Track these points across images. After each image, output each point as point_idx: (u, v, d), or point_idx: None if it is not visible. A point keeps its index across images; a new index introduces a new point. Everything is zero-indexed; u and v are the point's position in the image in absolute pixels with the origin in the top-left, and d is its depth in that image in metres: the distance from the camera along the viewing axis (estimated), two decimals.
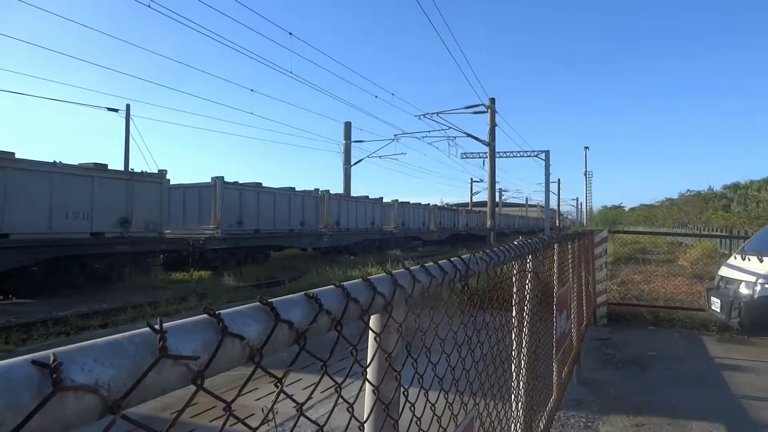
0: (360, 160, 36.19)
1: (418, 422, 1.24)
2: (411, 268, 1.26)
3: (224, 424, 0.62)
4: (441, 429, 1.39)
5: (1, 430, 0.41)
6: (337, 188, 32.64)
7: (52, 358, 0.45)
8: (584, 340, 6.66)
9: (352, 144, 35.51)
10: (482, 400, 1.83)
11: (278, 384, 0.73)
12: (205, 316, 0.64)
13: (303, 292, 0.84)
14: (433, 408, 1.33)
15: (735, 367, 6.33)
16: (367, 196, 31.31)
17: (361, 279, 1.03)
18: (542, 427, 3.43)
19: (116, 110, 27.29)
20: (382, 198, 32.06)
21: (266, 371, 0.70)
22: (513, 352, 2.67)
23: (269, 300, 0.74)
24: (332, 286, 0.93)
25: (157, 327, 0.55)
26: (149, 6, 15.08)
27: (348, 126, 35.48)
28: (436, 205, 41.88)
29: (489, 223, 26.57)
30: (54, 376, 0.44)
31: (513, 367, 2.71)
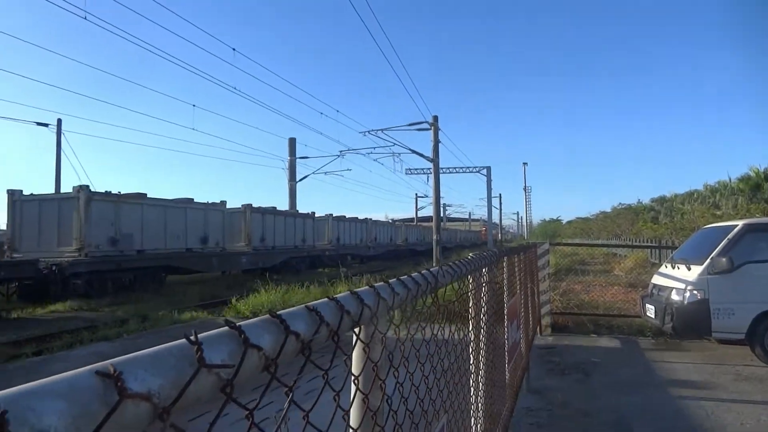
0: (305, 177, 35.96)
1: (400, 429, 1.30)
2: (390, 281, 1.32)
3: (248, 430, 0.66)
4: None
5: None
6: (282, 205, 31.98)
7: (112, 369, 0.48)
8: (532, 349, 6.91)
9: (297, 160, 35.29)
10: (450, 408, 1.91)
11: (288, 392, 0.76)
12: (226, 328, 0.67)
13: (304, 305, 0.88)
14: (411, 416, 1.39)
15: (670, 370, 6.73)
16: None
17: (349, 292, 1.08)
18: None
19: (46, 125, 26.07)
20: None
21: (279, 381, 0.74)
22: (472, 361, 2.76)
23: (278, 312, 0.78)
24: (326, 300, 0.97)
25: (193, 338, 0.59)
26: (85, 18, 14.59)
27: (293, 142, 35.25)
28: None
29: (435, 237, 27.00)
30: (119, 384, 0.47)
31: (472, 376, 2.80)
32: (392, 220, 55.66)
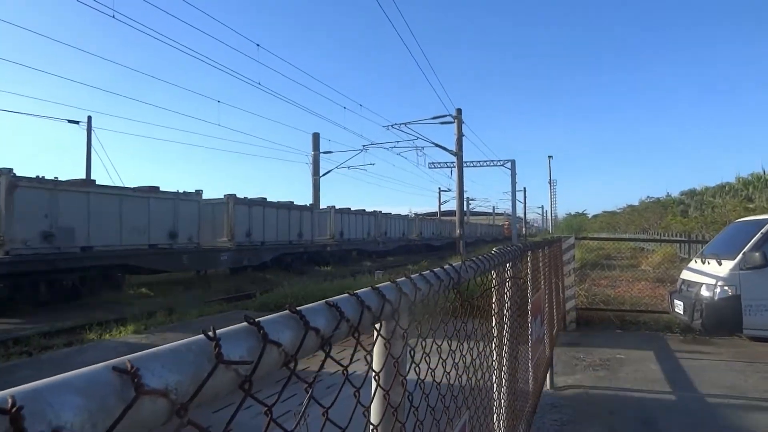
0: (329, 171, 36.09)
1: (421, 425, 1.29)
2: (411, 276, 1.31)
3: (267, 426, 0.65)
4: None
5: None
6: (306, 200, 32.02)
7: (129, 365, 0.48)
8: (556, 345, 6.82)
9: (321, 155, 35.43)
10: (472, 405, 1.89)
11: (308, 389, 0.76)
12: (245, 324, 0.67)
13: (324, 300, 0.87)
14: (432, 412, 1.38)
15: (699, 367, 6.57)
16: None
17: (370, 288, 1.07)
18: (522, 431, 3.50)
19: (77, 122, 26.64)
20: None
21: (299, 377, 0.73)
22: (495, 357, 2.74)
23: (298, 308, 0.77)
24: (347, 295, 0.96)
25: (211, 334, 0.59)
26: (113, 17, 14.85)
27: (316, 137, 35.42)
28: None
29: (458, 232, 26.87)
30: (135, 380, 0.47)
31: (495, 372, 2.77)
32: (415, 214, 55.29)
